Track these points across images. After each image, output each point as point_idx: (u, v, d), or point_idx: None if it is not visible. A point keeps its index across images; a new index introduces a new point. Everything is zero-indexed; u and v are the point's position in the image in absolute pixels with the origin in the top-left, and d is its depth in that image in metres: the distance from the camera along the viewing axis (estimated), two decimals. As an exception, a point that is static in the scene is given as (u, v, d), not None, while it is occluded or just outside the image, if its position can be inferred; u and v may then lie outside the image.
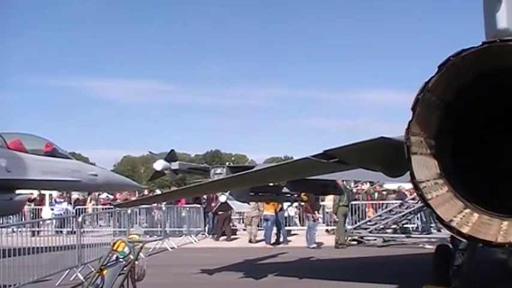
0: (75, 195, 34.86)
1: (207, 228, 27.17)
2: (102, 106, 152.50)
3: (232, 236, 26.10)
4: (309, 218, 22.27)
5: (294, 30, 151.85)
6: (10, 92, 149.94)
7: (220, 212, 25.15)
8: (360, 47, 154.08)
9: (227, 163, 16.15)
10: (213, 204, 26.41)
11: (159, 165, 15.03)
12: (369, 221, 23.37)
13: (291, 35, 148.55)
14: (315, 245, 21.63)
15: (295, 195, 16.81)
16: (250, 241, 23.98)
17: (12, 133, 19.24)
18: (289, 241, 23.87)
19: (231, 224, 27.63)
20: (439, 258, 10.79)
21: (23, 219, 27.07)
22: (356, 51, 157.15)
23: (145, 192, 35.63)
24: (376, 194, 33.03)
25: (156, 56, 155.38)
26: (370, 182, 30.62)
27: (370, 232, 22.25)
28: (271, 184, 15.00)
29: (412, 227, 25.16)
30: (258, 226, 24.88)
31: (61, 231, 21.71)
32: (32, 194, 24.55)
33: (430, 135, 6.26)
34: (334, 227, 23.82)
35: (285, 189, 15.10)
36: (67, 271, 13.79)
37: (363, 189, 32.62)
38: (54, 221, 26.93)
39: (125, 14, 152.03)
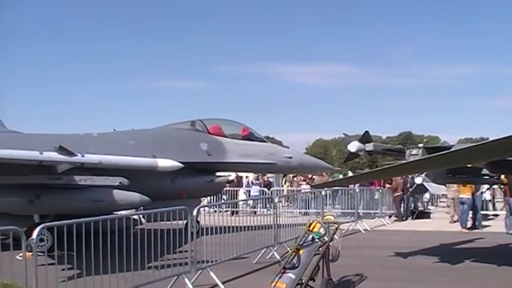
0: (270, 177, 36.08)
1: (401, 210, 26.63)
2: (294, 91, 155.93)
3: (425, 220, 25.43)
4: (509, 202, 20.83)
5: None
6: (209, 81, 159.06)
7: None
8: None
9: (419, 144, 15.56)
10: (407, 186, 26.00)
11: (353, 146, 14.95)
12: None
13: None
14: (515, 231, 20.19)
15: (495, 177, 15.83)
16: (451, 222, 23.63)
17: (212, 119, 20.31)
18: (486, 226, 22.74)
19: (422, 207, 27.12)
20: None
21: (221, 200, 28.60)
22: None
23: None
24: None
25: (344, 39, 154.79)
26: None
27: None
28: (468, 165, 14.23)
29: None
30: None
31: (256, 212, 22.55)
32: (230, 175, 25.67)
33: None
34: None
35: (484, 171, 14.26)
36: (264, 250, 14.23)
37: None
38: (250, 201, 28.14)
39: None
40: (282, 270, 9.29)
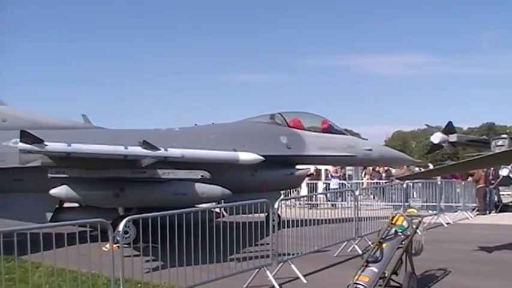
0: (349, 170, 35.81)
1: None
2: (372, 82, 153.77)
3: (510, 213, 24.69)
4: None
5: None
6: (287, 74, 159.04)
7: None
8: None
9: (503, 135, 15.01)
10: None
11: (436, 137, 14.71)
12: None
13: None
14: None
15: None
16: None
17: (291, 112, 20.31)
18: None
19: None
20: None
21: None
22: None
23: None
24: None
25: (424, 28, 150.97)
26: None
27: None
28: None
29: None
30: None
31: (335, 205, 22.41)
32: (309, 169, 25.63)
33: None
34: None
35: None
36: (344, 243, 14.16)
37: None
38: (330, 194, 28.02)
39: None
40: (365, 264, 9.20)
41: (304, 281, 11.14)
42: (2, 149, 15.31)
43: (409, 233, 9.75)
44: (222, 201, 16.20)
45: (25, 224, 13.50)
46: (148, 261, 10.37)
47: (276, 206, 11.28)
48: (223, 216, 16.10)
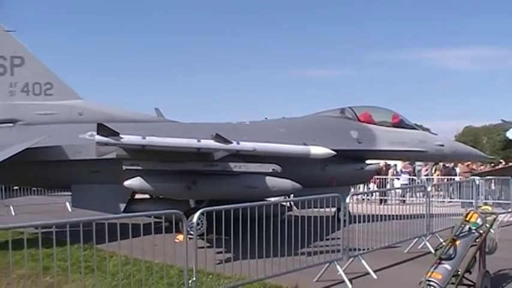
0: (418, 165, 35.20)
1: None
2: (443, 76, 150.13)
3: None
4: None
5: None
6: (357, 68, 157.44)
7: None
8: None
9: None
10: None
11: (512, 133, 14.28)
12: None
13: None
14: None
15: None
16: None
17: (362, 106, 20.24)
18: None
19: None
20: None
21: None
22: None
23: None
24: None
25: (497, 20, 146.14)
26: None
27: None
28: None
29: None
30: None
31: (405, 201, 22.13)
32: (379, 164, 25.40)
33: None
34: None
35: None
36: (415, 239, 14.03)
37: None
38: (399, 190, 27.67)
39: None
40: (438, 261, 9.12)
41: (375, 276, 11.15)
42: (79, 141, 15.91)
43: (482, 230, 9.61)
44: (292, 195, 16.35)
45: (100, 214, 14.08)
46: (219, 252, 10.57)
47: (347, 200, 11.32)
48: (292, 209, 16.24)
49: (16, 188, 25.17)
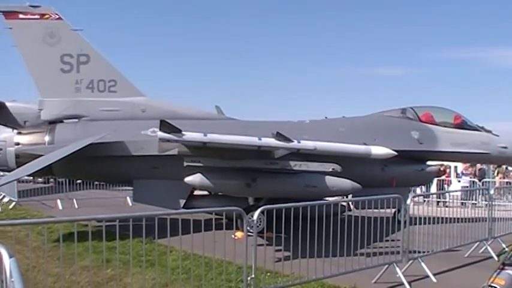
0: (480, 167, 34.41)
1: None
2: (508, 76, 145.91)
3: None
4: None
5: None
6: (418, 67, 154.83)
7: None
8: None
9: None
10: None
11: None
12: None
13: None
14: None
15: None
16: None
17: (424, 106, 19.85)
18: None
19: None
20: None
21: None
22: None
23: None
24: None
25: None
26: None
27: None
28: None
29: None
30: None
31: (464, 204, 21.68)
32: (440, 165, 24.92)
33: None
34: None
35: None
36: (476, 243, 13.76)
37: None
38: (460, 192, 27.12)
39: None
40: (501, 267, 8.91)
41: (434, 280, 11.03)
42: (142, 137, 16.27)
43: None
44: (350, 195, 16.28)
45: (161, 210, 14.37)
46: (278, 250, 10.64)
47: (408, 202, 11.20)
48: (350, 209, 16.16)
49: (79, 181, 25.98)
